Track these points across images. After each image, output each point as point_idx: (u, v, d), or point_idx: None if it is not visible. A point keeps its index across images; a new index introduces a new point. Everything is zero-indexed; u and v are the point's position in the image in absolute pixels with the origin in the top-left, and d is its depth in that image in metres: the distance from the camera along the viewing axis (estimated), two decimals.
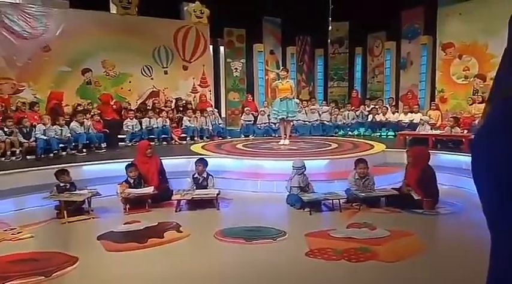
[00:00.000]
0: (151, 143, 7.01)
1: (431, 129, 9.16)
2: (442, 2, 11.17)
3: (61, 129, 7.88)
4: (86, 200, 5.15)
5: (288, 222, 4.91)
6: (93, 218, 5.04)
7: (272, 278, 3.29)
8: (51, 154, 7.52)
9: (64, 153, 7.85)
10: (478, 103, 9.90)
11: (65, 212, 4.95)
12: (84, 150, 8.11)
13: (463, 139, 7.85)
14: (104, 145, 8.59)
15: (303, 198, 5.18)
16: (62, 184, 5.29)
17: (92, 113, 9.06)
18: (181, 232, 4.46)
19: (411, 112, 10.66)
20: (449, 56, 11.20)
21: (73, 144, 8.03)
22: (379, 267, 3.43)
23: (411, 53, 12.55)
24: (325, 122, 11.15)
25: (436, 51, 11.57)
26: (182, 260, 3.70)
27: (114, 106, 9.98)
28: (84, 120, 8.51)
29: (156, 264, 3.61)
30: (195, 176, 5.76)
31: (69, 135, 7.95)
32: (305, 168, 5.61)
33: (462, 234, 4.36)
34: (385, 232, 4.23)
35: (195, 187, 5.62)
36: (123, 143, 9.29)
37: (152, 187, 5.53)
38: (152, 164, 5.86)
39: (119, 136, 9.42)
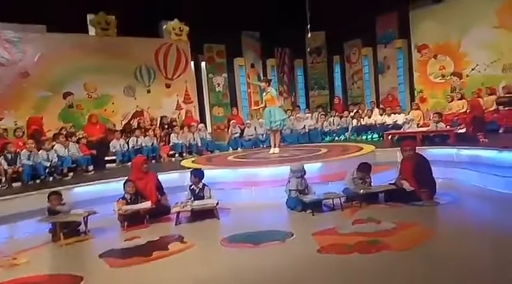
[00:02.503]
0: (146, 158, 6.89)
1: (417, 127, 9.36)
2: (414, 6, 11.61)
3: (47, 153, 7.66)
4: (83, 220, 4.98)
5: (292, 224, 4.87)
6: (90, 238, 4.88)
7: (289, 275, 3.24)
8: (38, 180, 7.30)
9: (51, 178, 7.62)
10: (458, 100, 10.22)
11: (61, 234, 4.78)
12: (70, 174, 7.89)
13: (449, 134, 8.06)
14: (91, 167, 8.40)
15: (303, 199, 5.17)
16: (52, 208, 5.08)
17: (77, 136, 8.85)
18: (186, 242, 4.37)
19: (394, 114, 10.88)
20: (425, 56, 11.59)
21: (59, 168, 7.80)
22: (392, 256, 3.44)
23: (388, 57, 12.90)
24: (311, 129, 11.23)
25: (412, 53, 11.94)
26: (193, 268, 3.62)
27: (98, 127, 9.80)
28: (70, 142, 8.32)
29: (167, 274, 3.51)
30: (191, 187, 5.68)
31: (56, 159, 7.72)
32: (304, 171, 5.61)
33: (464, 220, 4.46)
34: (391, 225, 4.26)
35: (192, 199, 5.52)
36: (111, 164, 9.09)
37: (149, 201, 5.42)
38: (149, 180, 5.77)
39: (106, 158, 9.23)
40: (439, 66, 11.32)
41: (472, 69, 10.66)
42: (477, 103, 8.75)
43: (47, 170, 7.48)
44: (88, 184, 6.91)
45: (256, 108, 11.03)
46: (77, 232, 4.98)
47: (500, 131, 8.82)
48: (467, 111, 9.38)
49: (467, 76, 10.79)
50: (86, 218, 5.00)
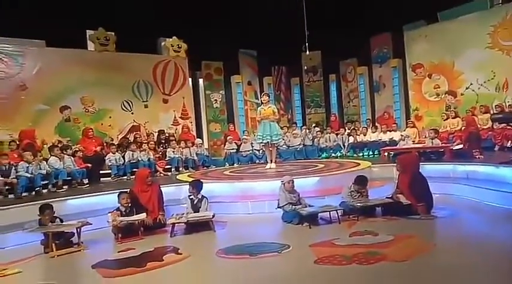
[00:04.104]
0: (151, 171, 6.86)
1: (413, 143, 9.41)
2: (408, 27, 11.85)
3: (39, 164, 7.60)
4: (76, 231, 4.90)
5: (289, 236, 4.80)
6: (83, 249, 4.79)
7: None
8: (33, 192, 7.21)
9: (45, 190, 7.54)
10: (452, 118, 10.31)
11: (53, 245, 4.68)
12: (65, 187, 7.81)
13: (445, 150, 8.10)
14: (86, 180, 8.33)
15: (301, 211, 5.13)
16: (44, 222, 4.98)
17: (73, 149, 8.80)
18: (181, 254, 4.30)
19: (390, 131, 10.94)
20: (420, 75, 11.73)
21: (54, 180, 7.73)
22: (391, 267, 3.39)
23: (383, 76, 13.06)
24: (307, 145, 11.23)
25: (407, 72, 12.11)
26: (188, 279, 3.55)
27: (94, 140, 9.76)
28: (64, 155, 8.27)
29: None
30: (190, 197, 5.65)
31: (49, 169, 7.67)
32: (293, 183, 5.59)
33: (462, 233, 4.44)
34: (389, 237, 4.22)
35: (190, 208, 5.49)
36: (105, 178, 9.02)
37: (144, 213, 5.35)
38: (153, 192, 5.74)
39: (101, 171, 9.17)
40: (434, 85, 11.46)
41: (466, 88, 10.80)
42: (472, 120, 8.83)
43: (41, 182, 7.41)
44: (83, 197, 6.85)
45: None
46: (70, 243, 4.90)
47: (496, 149, 8.88)
48: (462, 128, 9.46)
49: (461, 94, 10.92)
50: (79, 229, 4.91)
